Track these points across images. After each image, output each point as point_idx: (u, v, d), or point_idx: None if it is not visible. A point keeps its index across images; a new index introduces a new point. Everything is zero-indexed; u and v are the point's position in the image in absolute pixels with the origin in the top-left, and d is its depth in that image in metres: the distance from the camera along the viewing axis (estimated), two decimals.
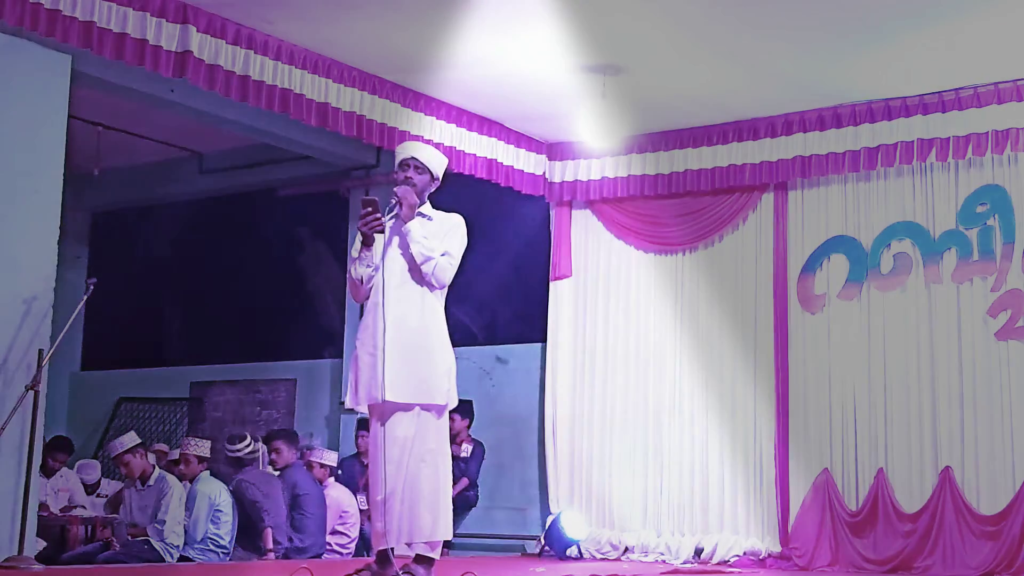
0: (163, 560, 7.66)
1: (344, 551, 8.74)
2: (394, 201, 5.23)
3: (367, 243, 5.20)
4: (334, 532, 8.67)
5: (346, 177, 11.13)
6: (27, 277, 7.37)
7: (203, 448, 8.20)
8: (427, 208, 5.35)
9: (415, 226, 5.21)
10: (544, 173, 9.83)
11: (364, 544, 8.74)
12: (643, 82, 8.25)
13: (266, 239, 11.96)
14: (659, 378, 9.45)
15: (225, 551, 7.99)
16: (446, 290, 5.34)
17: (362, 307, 5.45)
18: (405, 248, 5.21)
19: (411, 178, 5.29)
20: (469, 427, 9.84)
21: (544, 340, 10.05)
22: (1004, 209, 8.20)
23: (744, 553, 8.78)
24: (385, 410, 5.12)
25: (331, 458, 9.14)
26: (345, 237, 10.83)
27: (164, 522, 7.69)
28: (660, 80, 8.26)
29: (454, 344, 5.34)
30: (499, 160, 9.31)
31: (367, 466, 7.59)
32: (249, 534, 8.08)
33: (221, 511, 7.96)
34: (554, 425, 9.82)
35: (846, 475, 8.56)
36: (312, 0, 7.08)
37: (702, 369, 9.27)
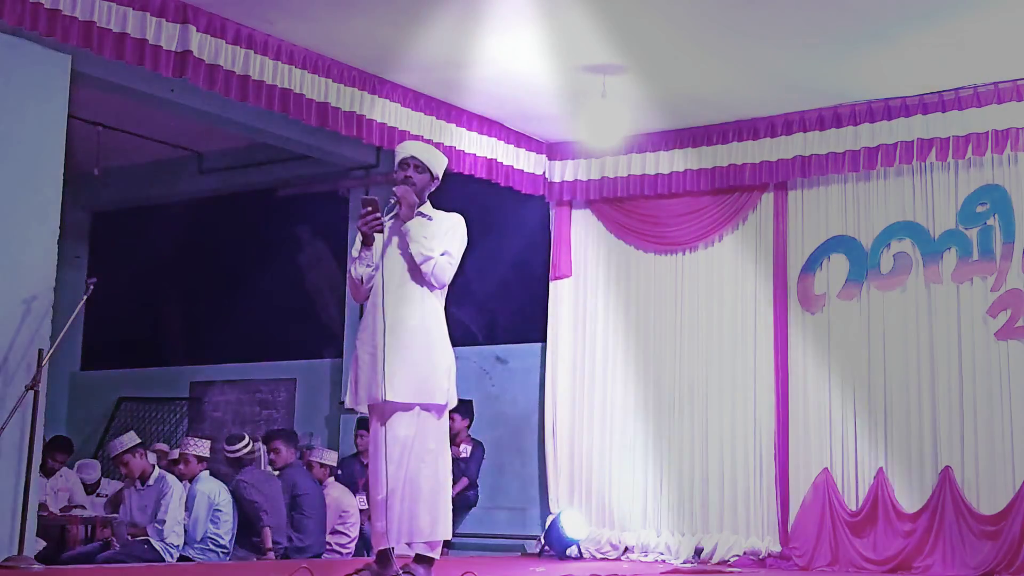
0: (163, 560, 7.66)
1: (344, 551, 8.74)
2: (393, 201, 5.23)
3: (367, 243, 5.19)
4: (334, 532, 8.67)
5: (346, 177, 11.12)
6: (27, 277, 7.37)
7: (203, 448, 8.20)
8: (427, 208, 5.34)
9: (415, 226, 5.21)
10: (544, 173, 9.84)
11: (364, 544, 8.74)
12: (643, 82, 8.25)
13: (266, 239, 11.96)
14: (659, 378, 9.45)
15: (225, 551, 8.00)
16: (446, 290, 5.34)
17: (362, 307, 5.45)
18: (405, 248, 5.21)
19: (410, 177, 5.28)
20: (469, 427, 9.84)
21: (544, 340, 10.05)
22: (1004, 209, 8.20)
23: (744, 553, 8.79)
24: (385, 410, 5.11)
25: (331, 458, 9.15)
26: (345, 237, 10.84)
27: (164, 522, 7.69)
28: (660, 80, 8.26)
29: (454, 344, 5.33)
30: (499, 160, 9.31)
31: (367, 466, 7.58)
32: (248, 534, 8.08)
33: (221, 511, 7.96)
34: (554, 425, 9.82)
35: (846, 475, 8.56)
36: (312, 0, 7.08)
37: (702, 369, 9.27)
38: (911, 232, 8.56)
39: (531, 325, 10.22)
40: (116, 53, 6.68)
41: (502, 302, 10.66)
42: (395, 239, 5.24)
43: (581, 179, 9.76)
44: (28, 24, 6.26)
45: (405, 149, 5.42)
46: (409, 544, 5.16)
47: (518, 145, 9.53)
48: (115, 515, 8.61)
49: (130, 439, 8.07)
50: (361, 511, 8.79)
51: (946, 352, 8.27)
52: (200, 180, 12.07)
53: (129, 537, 7.84)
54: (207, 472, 8.14)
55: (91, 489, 9.87)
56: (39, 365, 7.01)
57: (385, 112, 8.26)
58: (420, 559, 5.16)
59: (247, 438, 8.47)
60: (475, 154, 9.06)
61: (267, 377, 11.80)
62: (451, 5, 7.11)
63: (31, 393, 6.86)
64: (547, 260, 10.12)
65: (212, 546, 7.93)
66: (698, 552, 8.98)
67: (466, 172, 9.01)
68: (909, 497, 8.28)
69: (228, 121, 9.57)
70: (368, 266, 5.20)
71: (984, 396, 8.10)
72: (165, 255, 12.71)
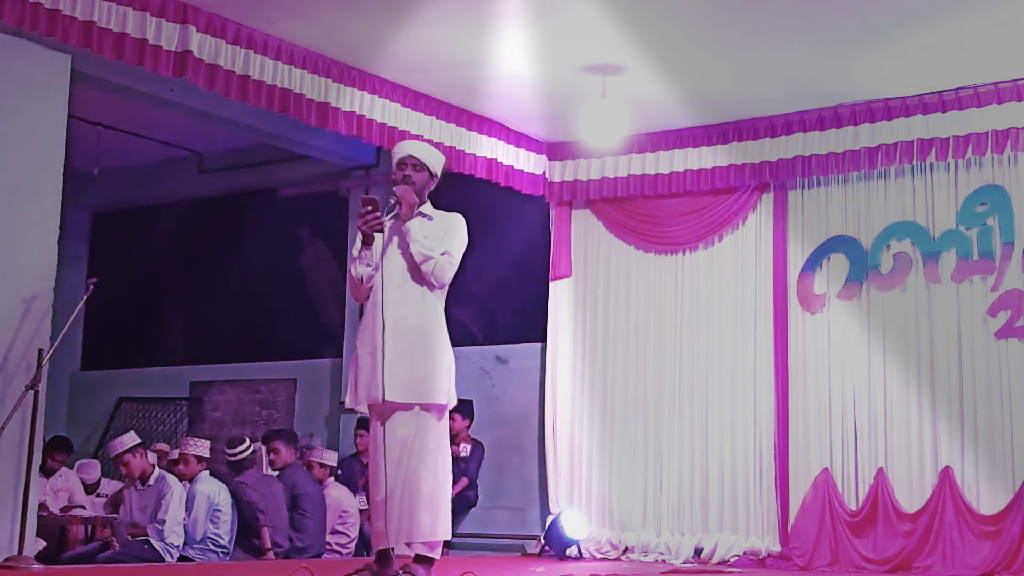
0: (163, 560, 7.66)
1: (344, 551, 8.74)
2: (393, 201, 5.23)
3: (367, 242, 5.19)
4: (334, 532, 8.68)
5: (346, 177, 11.13)
6: (27, 277, 7.37)
7: (203, 448, 8.20)
8: (427, 207, 5.33)
9: (415, 225, 5.21)
10: (544, 173, 9.83)
11: (364, 544, 8.74)
12: (643, 82, 8.25)
13: (266, 239, 11.96)
14: (659, 378, 9.45)
15: (225, 551, 8.00)
16: (446, 290, 5.33)
17: (362, 307, 5.45)
18: (405, 248, 5.20)
19: (409, 176, 5.27)
20: (469, 427, 9.83)
21: (544, 340, 10.05)
22: (1004, 209, 8.19)
23: (744, 553, 8.79)
24: (385, 410, 5.11)
25: (331, 458, 9.15)
26: (345, 237, 10.84)
27: (164, 522, 7.69)
28: (660, 80, 8.25)
29: (454, 344, 5.33)
30: (499, 160, 9.31)
31: (366, 466, 7.59)
32: (248, 536, 8.09)
33: (220, 511, 7.96)
34: (554, 425, 9.82)
35: (846, 475, 8.56)
36: (312, 0, 7.08)
37: (702, 369, 9.27)
38: (911, 232, 8.56)
39: (531, 325, 10.22)
40: (116, 53, 6.68)
41: (502, 302, 10.66)
42: (395, 239, 5.23)
43: (581, 179, 9.75)
44: (28, 24, 6.26)
45: (403, 149, 5.41)
46: (409, 544, 5.16)
47: (518, 145, 9.53)
48: (115, 515, 8.62)
49: (130, 439, 8.07)
50: (361, 511, 8.79)
51: (946, 352, 8.27)
52: (200, 180, 12.07)
53: (129, 537, 7.84)
54: (207, 472, 8.14)
55: (91, 489, 9.87)
56: (39, 365, 7.01)
57: (385, 112, 8.25)
58: (420, 559, 5.16)
59: (247, 441, 8.47)
60: (475, 154, 9.06)
61: (267, 377, 11.79)
62: (451, 5, 7.11)
63: (31, 393, 6.86)
64: (547, 260, 10.12)
65: (212, 546, 7.93)
66: (698, 552, 8.98)
67: (466, 172, 9.01)
68: (909, 497, 8.28)
69: (228, 121, 9.57)
70: (368, 266, 5.20)
71: (984, 396, 8.10)
72: (165, 255, 12.72)
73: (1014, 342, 8.05)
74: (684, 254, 9.55)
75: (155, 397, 12.47)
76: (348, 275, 5.31)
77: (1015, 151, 8.09)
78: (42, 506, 8.20)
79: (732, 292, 9.26)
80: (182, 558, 7.81)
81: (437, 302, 5.27)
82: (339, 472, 9.31)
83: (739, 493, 8.97)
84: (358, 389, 5.18)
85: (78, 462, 10.15)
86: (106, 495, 9.75)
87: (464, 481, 9.48)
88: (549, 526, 9.34)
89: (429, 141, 8.17)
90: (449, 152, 8.63)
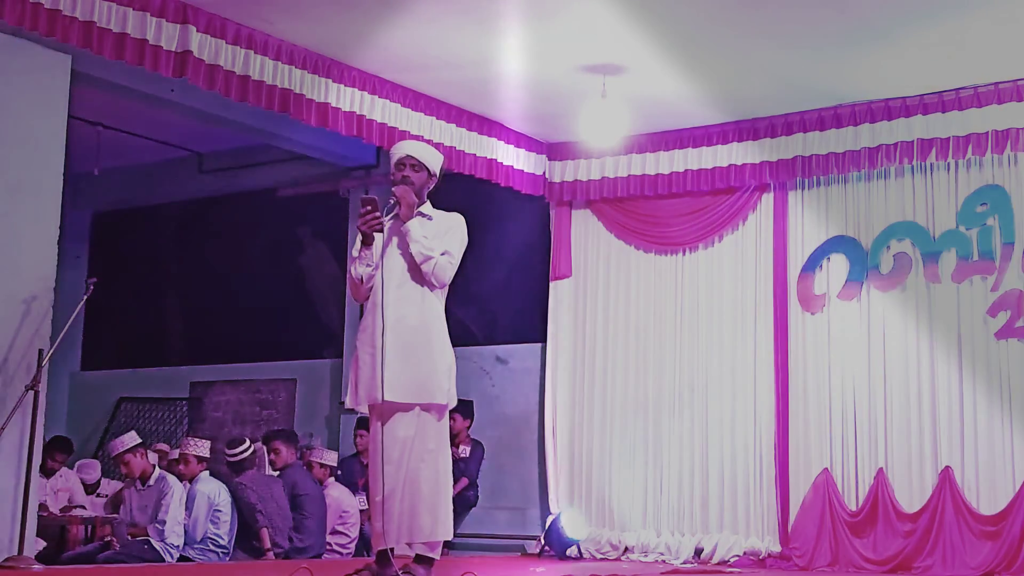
0: (163, 560, 7.66)
1: (344, 551, 8.74)
2: (393, 201, 5.23)
3: (367, 242, 5.19)
4: (334, 532, 8.67)
5: (346, 177, 11.13)
6: (27, 277, 7.37)
7: (203, 448, 8.21)
8: (427, 207, 5.34)
9: (414, 225, 5.21)
10: (544, 173, 9.83)
11: (364, 544, 8.74)
12: (643, 82, 8.25)
13: (266, 239, 11.96)
14: (659, 378, 9.45)
15: (225, 551, 8.00)
16: (446, 289, 5.33)
17: (362, 307, 5.45)
18: (405, 248, 5.20)
19: (408, 177, 5.28)
20: (469, 427, 9.84)
21: (544, 340, 10.05)
22: (1004, 209, 8.19)
23: (744, 553, 8.79)
24: (385, 410, 5.11)
25: (331, 458, 9.15)
26: (345, 237, 10.84)
27: (165, 522, 7.69)
28: (660, 80, 8.25)
29: (454, 344, 5.33)
30: (499, 160, 9.30)
31: (366, 466, 7.58)
32: (248, 537, 8.08)
33: (220, 511, 7.96)
34: (554, 425, 9.82)
35: (846, 475, 8.56)
36: (312, 0, 7.07)
37: (702, 369, 9.27)
38: (911, 232, 8.56)
39: (531, 325, 10.22)
40: (116, 53, 6.68)
41: (502, 302, 10.66)
42: (395, 239, 5.24)
43: (581, 179, 9.76)
44: (28, 24, 6.26)
45: (401, 149, 5.41)
46: (409, 544, 5.16)
47: (518, 145, 9.53)
48: (115, 515, 8.62)
49: (131, 439, 8.07)
50: (361, 511, 8.79)
51: (946, 352, 8.27)
52: (200, 180, 12.07)
53: (129, 537, 7.84)
54: (207, 472, 8.14)
55: (91, 489, 9.86)
56: (39, 365, 7.02)
57: (385, 112, 8.25)
58: (420, 559, 5.16)
59: (247, 441, 8.47)
60: (475, 154, 9.06)
61: (267, 377, 11.79)
62: (451, 5, 7.11)
63: (31, 393, 6.86)
64: (547, 260, 10.12)
65: (212, 546, 7.93)
66: (698, 552, 8.98)
67: (466, 172, 9.01)
68: (909, 497, 8.28)
69: (228, 121, 9.56)
70: (368, 266, 5.20)
71: (984, 396, 8.10)
72: (165, 255, 12.72)
73: (1014, 342, 8.05)
74: (684, 254, 9.55)
75: (155, 397, 12.47)
76: (348, 275, 5.31)
77: (1015, 151, 8.09)
78: (42, 506, 8.20)
79: (732, 292, 9.26)
80: (182, 558, 7.81)
81: (437, 302, 5.27)
82: (339, 472, 9.31)
83: (739, 493, 8.97)
84: (358, 389, 5.18)
85: (78, 462, 10.15)
86: (106, 495, 9.75)
87: (464, 481, 9.48)
88: (549, 526, 9.34)
89: (429, 141, 8.17)
90: (449, 152, 8.63)
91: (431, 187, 5.38)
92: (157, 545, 7.69)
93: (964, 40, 7.40)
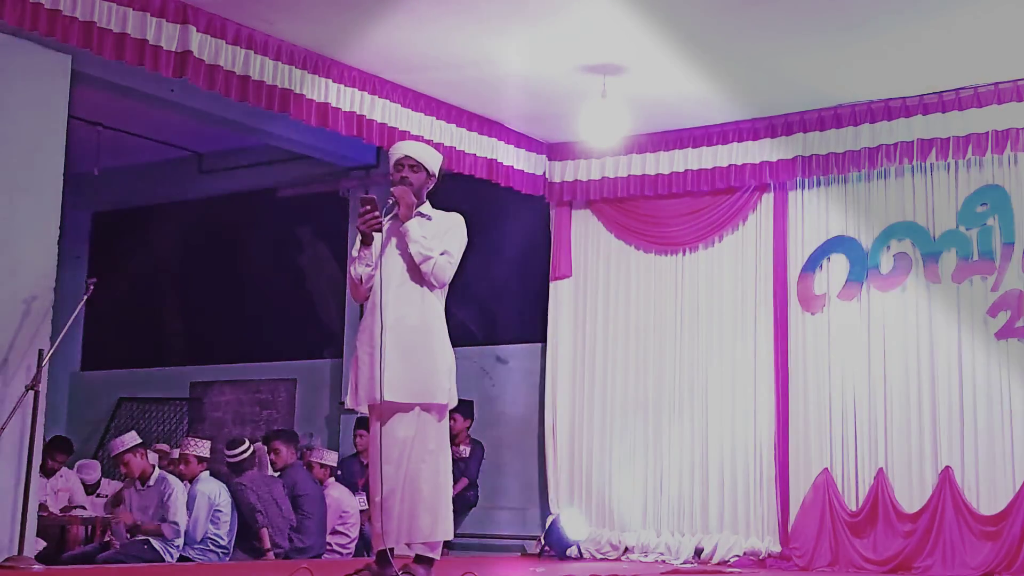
0: (163, 560, 7.66)
1: (344, 551, 8.74)
2: (391, 202, 5.23)
3: (366, 242, 5.19)
4: (334, 532, 8.67)
5: (346, 177, 11.13)
6: (27, 277, 7.37)
7: (203, 448, 8.21)
8: (427, 207, 5.33)
9: (413, 226, 5.20)
10: (544, 173, 9.83)
11: (364, 544, 8.74)
12: (643, 82, 8.25)
13: (266, 239, 11.96)
14: (659, 378, 9.45)
15: (225, 551, 8.00)
16: (446, 289, 5.33)
17: (362, 307, 5.45)
18: (404, 248, 5.20)
19: (407, 177, 5.27)
20: (469, 427, 9.83)
21: (544, 340, 10.05)
22: (1004, 209, 8.19)
23: (744, 553, 8.79)
24: (384, 410, 5.11)
25: (331, 458, 9.15)
26: (345, 237, 10.84)
27: (176, 523, 7.70)
28: (660, 80, 8.26)
29: (454, 344, 5.32)
30: (499, 160, 9.30)
31: (366, 466, 7.58)
32: (247, 535, 8.08)
33: (221, 511, 7.96)
34: (554, 425, 9.82)
35: (846, 475, 8.56)
36: (312, 0, 7.07)
37: (702, 369, 9.27)
38: (911, 232, 8.56)
39: (531, 325, 10.22)
40: (116, 53, 6.68)
41: (502, 302, 10.66)
42: (394, 239, 5.23)
43: (581, 179, 9.76)
44: (28, 24, 6.26)
45: (399, 149, 5.40)
46: (409, 544, 5.15)
47: (518, 145, 9.53)
48: (114, 515, 8.61)
49: (131, 439, 8.07)
50: (361, 511, 8.79)
51: (946, 352, 8.27)
52: (200, 180, 12.07)
53: (128, 536, 7.84)
54: (207, 472, 8.14)
55: (91, 489, 9.86)
56: (39, 365, 7.01)
57: (385, 112, 8.25)
58: (420, 559, 5.16)
59: (247, 442, 8.47)
60: (475, 154, 9.05)
61: (267, 377, 11.80)
62: (451, 5, 7.11)
63: (31, 393, 6.86)
64: (547, 260, 10.12)
65: (212, 547, 7.94)
66: (698, 552, 8.98)
67: (466, 172, 9.01)
68: (909, 497, 8.28)
69: (228, 121, 9.56)
70: (367, 266, 5.19)
71: (984, 396, 8.10)
72: (165, 255, 12.71)
73: (1014, 342, 8.05)
74: (684, 254, 9.55)
75: (155, 397, 12.47)
76: (348, 275, 5.31)
77: (1015, 151, 8.09)
78: (42, 506, 8.20)
79: (732, 292, 9.26)
80: (182, 558, 7.81)
81: (437, 302, 5.27)
82: (339, 472, 9.31)
83: (739, 493, 8.97)
84: (358, 389, 5.17)
85: (78, 462, 10.15)
86: (106, 495, 9.74)
87: (464, 481, 9.48)
88: (549, 526, 9.34)
89: (428, 141, 8.17)
90: (449, 152, 8.63)
91: (430, 187, 5.37)
92: (157, 545, 7.69)
93: (964, 40, 7.40)
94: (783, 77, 8.17)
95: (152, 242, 12.70)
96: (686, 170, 9.32)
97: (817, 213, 8.99)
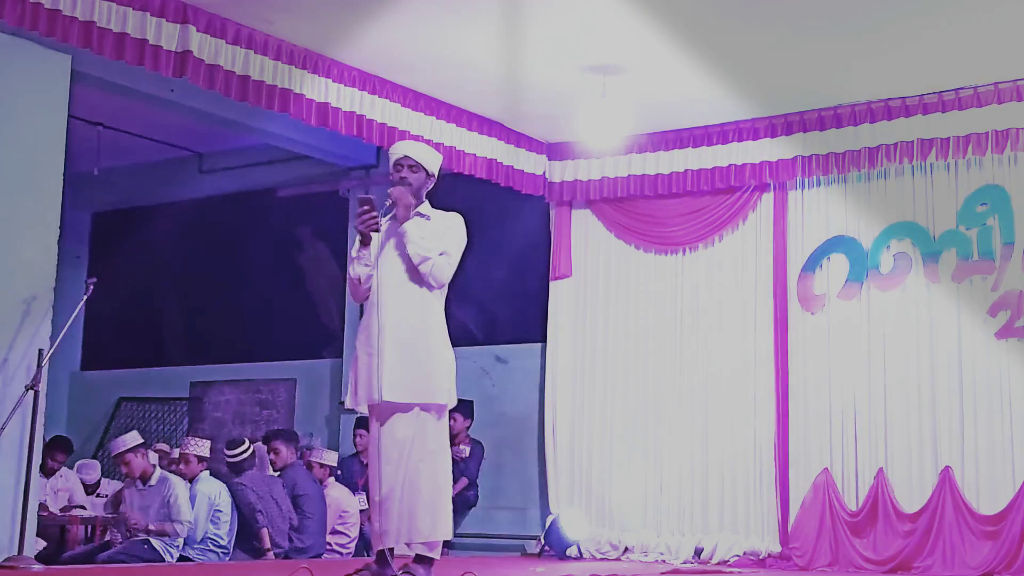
0: (163, 560, 7.66)
1: (344, 551, 8.74)
2: (389, 203, 5.22)
3: (364, 242, 5.19)
4: (334, 532, 8.67)
5: (346, 177, 11.13)
6: (27, 277, 7.37)
7: (203, 448, 8.21)
8: (425, 207, 5.33)
9: (412, 226, 5.20)
10: (544, 173, 9.84)
11: (364, 544, 8.74)
12: (643, 82, 8.25)
13: (266, 239, 11.96)
14: (659, 378, 9.45)
15: (225, 551, 8.00)
16: (446, 289, 5.33)
17: (362, 307, 5.45)
18: (403, 248, 5.20)
19: (406, 178, 5.27)
20: (469, 427, 9.83)
21: (544, 340, 10.05)
22: (1004, 209, 8.19)
23: (744, 553, 8.79)
24: (384, 410, 5.11)
25: (331, 458, 9.15)
26: (345, 237, 10.83)
27: (182, 522, 7.70)
28: (660, 80, 8.26)
29: (454, 344, 5.32)
30: (499, 160, 9.30)
31: (366, 466, 7.58)
32: (247, 535, 8.08)
33: (221, 511, 7.97)
34: (554, 425, 9.82)
35: (846, 475, 8.56)
36: (312, 0, 7.07)
37: (702, 369, 9.27)
38: (911, 232, 8.56)
39: (531, 325, 10.22)
40: (116, 53, 6.68)
41: (502, 302, 10.66)
42: (393, 240, 5.23)
43: (581, 179, 9.76)
44: (28, 24, 6.26)
45: (398, 150, 5.40)
46: (408, 544, 5.16)
47: (518, 145, 9.53)
48: (115, 515, 8.62)
49: (133, 438, 8.07)
50: (361, 511, 8.79)
51: (946, 352, 8.27)
52: (200, 180, 12.07)
53: (128, 534, 7.84)
54: (207, 472, 8.14)
55: (91, 489, 9.87)
56: (39, 365, 7.01)
57: (385, 112, 8.25)
58: (420, 559, 5.16)
59: (247, 442, 8.47)
60: (475, 154, 9.05)
61: (267, 377, 11.80)
62: (451, 5, 7.11)
63: (31, 393, 6.86)
64: (547, 260, 10.12)
65: (212, 546, 7.94)
66: (698, 552, 8.98)
67: (466, 172, 9.01)
68: (909, 497, 8.28)
69: (228, 121, 9.56)
70: (366, 265, 5.19)
71: (984, 396, 8.10)
72: (165, 255, 12.71)
73: (1014, 342, 8.05)
74: (684, 254, 9.55)
75: (155, 397, 12.47)
76: (347, 275, 5.31)
77: (1015, 151, 8.09)
78: (42, 506, 8.20)
79: (732, 292, 9.26)
80: (182, 558, 7.81)
81: (436, 302, 5.26)
82: (339, 472, 9.31)
83: (739, 493, 8.97)
84: (358, 389, 5.17)
85: (78, 462, 10.15)
86: (106, 495, 9.74)
87: (464, 481, 9.48)
88: (549, 526, 9.34)
89: (428, 141, 8.17)
90: (449, 152, 8.63)
91: (429, 187, 5.37)
92: (157, 545, 7.70)
93: (964, 40, 7.40)
94: (783, 77, 8.17)
95: (152, 242, 12.69)
96: (686, 170, 9.32)
97: (817, 213, 8.99)
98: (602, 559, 9.18)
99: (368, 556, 6.96)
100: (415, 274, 5.19)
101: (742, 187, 9.20)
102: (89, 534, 8.96)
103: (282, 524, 8.16)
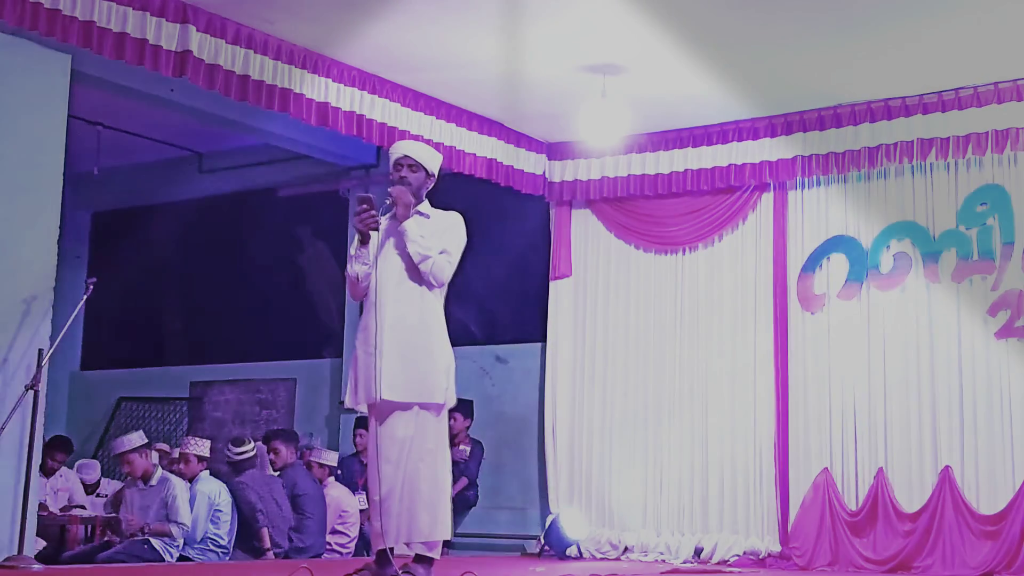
0: (163, 560, 7.66)
1: (344, 551, 8.74)
2: (389, 202, 5.23)
3: (363, 240, 5.20)
4: (334, 532, 8.68)
5: (346, 177, 11.13)
6: (27, 277, 7.37)
7: (203, 447, 8.21)
8: (425, 206, 5.34)
9: (411, 225, 5.21)
10: (544, 173, 9.84)
11: (364, 544, 8.74)
12: (643, 82, 8.25)
13: (266, 239, 11.96)
14: (659, 378, 9.45)
15: (225, 551, 8.00)
16: (445, 289, 5.33)
17: (362, 306, 5.45)
18: (402, 247, 5.20)
19: (405, 177, 5.28)
20: (469, 427, 9.83)
21: (544, 340, 10.05)
22: (1004, 209, 8.19)
23: (744, 553, 8.79)
24: (383, 409, 5.11)
25: (331, 458, 9.15)
26: (345, 237, 10.82)
27: (182, 523, 7.70)
28: (660, 80, 8.26)
29: (454, 344, 5.33)
30: (499, 160, 9.30)
31: (366, 465, 7.57)
32: (247, 535, 8.08)
33: (221, 511, 7.97)
34: (554, 425, 9.82)
35: (846, 475, 8.56)
36: (312, 0, 7.07)
37: (702, 369, 9.27)
38: (911, 232, 8.56)
39: (531, 325, 10.22)
40: (116, 53, 6.68)
41: (502, 302, 10.66)
42: (392, 239, 5.23)
43: (581, 179, 9.76)
44: (28, 24, 6.26)
45: (398, 149, 5.42)
46: (408, 544, 5.16)
47: (518, 145, 9.53)
48: (115, 515, 8.62)
49: (138, 438, 8.07)
50: (361, 511, 8.79)
51: (946, 352, 8.27)
52: (200, 180, 12.07)
53: (128, 535, 7.84)
54: (207, 472, 8.14)
55: (91, 489, 9.87)
56: (39, 365, 7.01)
57: (385, 112, 8.25)
58: (420, 559, 5.16)
59: (251, 441, 8.47)
60: (475, 154, 9.05)
61: (267, 377, 11.80)
62: (451, 5, 7.11)
63: (31, 393, 6.86)
64: (547, 260, 10.12)
65: (212, 546, 7.94)
66: (698, 552, 8.98)
67: (466, 172, 9.01)
68: (909, 497, 8.28)
69: (228, 121, 9.56)
70: (365, 264, 5.20)
71: (984, 396, 8.10)
72: (165, 255, 12.71)
73: (1014, 342, 8.05)
74: (684, 254, 9.55)
75: (155, 397, 12.47)
76: (346, 274, 5.31)
77: (1015, 151, 8.09)
78: (42, 506, 8.20)
79: (732, 292, 9.26)
80: (182, 558, 7.81)
81: (436, 301, 5.27)
82: (339, 472, 9.31)
83: (739, 493, 8.97)
84: (357, 389, 5.18)
85: (78, 462, 10.16)
86: (106, 495, 9.75)
87: (464, 481, 9.48)
88: (549, 526, 9.34)
89: (428, 141, 8.17)
90: (449, 152, 8.63)
91: (429, 187, 5.38)
92: (158, 545, 7.70)
93: (964, 40, 7.40)
94: (783, 76, 8.17)
95: (152, 242, 12.69)
96: (686, 169, 9.32)
97: (817, 212, 8.99)
98: (602, 559, 9.18)
99: (368, 556, 6.96)
100: (414, 273, 5.19)
101: (742, 187, 9.21)
102: (89, 534, 8.96)
103: (282, 524, 8.16)
